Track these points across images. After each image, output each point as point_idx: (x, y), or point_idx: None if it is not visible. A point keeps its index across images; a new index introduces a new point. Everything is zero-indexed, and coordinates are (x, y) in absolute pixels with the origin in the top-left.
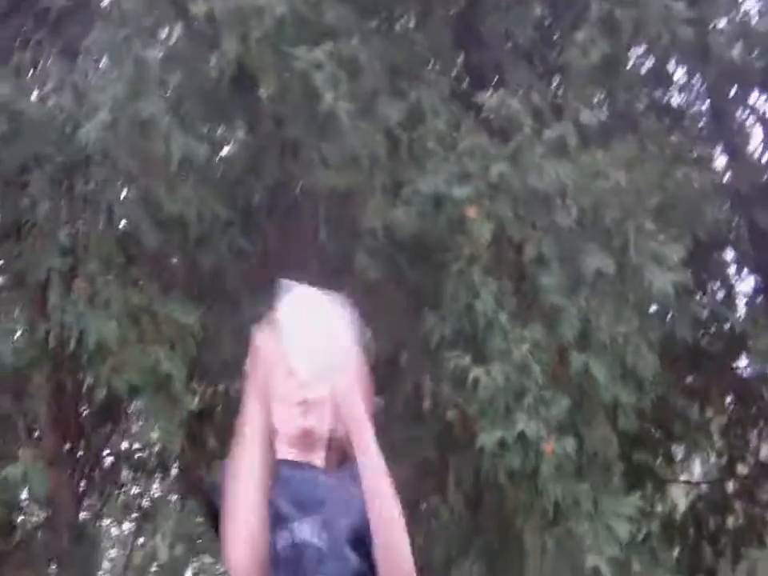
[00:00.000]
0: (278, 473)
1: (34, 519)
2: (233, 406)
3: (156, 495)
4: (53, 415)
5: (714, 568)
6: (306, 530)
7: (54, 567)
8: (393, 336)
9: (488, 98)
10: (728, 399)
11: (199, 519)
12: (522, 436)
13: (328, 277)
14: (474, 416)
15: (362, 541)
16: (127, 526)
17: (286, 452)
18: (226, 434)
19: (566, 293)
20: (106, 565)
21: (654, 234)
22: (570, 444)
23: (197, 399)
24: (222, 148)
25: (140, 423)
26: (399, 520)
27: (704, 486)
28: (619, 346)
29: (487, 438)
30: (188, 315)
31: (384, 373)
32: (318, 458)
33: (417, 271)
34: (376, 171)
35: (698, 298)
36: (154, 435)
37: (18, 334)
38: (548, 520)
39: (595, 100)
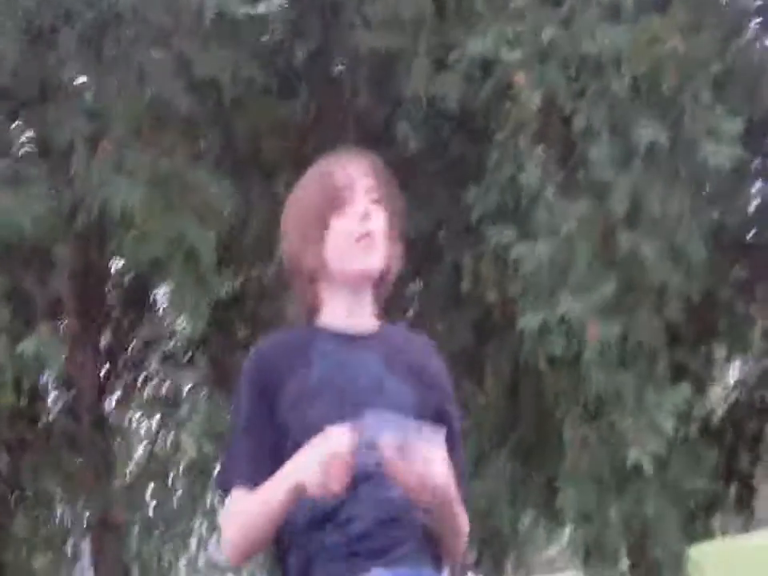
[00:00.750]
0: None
1: (57, 407)
2: (265, 293)
3: (183, 386)
4: (76, 293)
5: (751, 473)
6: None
7: (73, 457)
8: (432, 210)
9: None
10: None
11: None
12: (565, 319)
13: (366, 146)
14: (516, 296)
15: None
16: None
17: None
18: (258, 322)
19: (616, 166)
20: (127, 456)
21: (710, 106)
22: (615, 330)
23: (226, 285)
24: (259, 5)
25: (167, 307)
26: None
27: (743, 390)
28: (670, 226)
29: (529, 320)
30: (219, 185)
31: (422, 251)
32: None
33: (460, 141)
34: (421, 33)
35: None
36: (181, 322)
37: (39, 202)
38: (589, 411)
39: None
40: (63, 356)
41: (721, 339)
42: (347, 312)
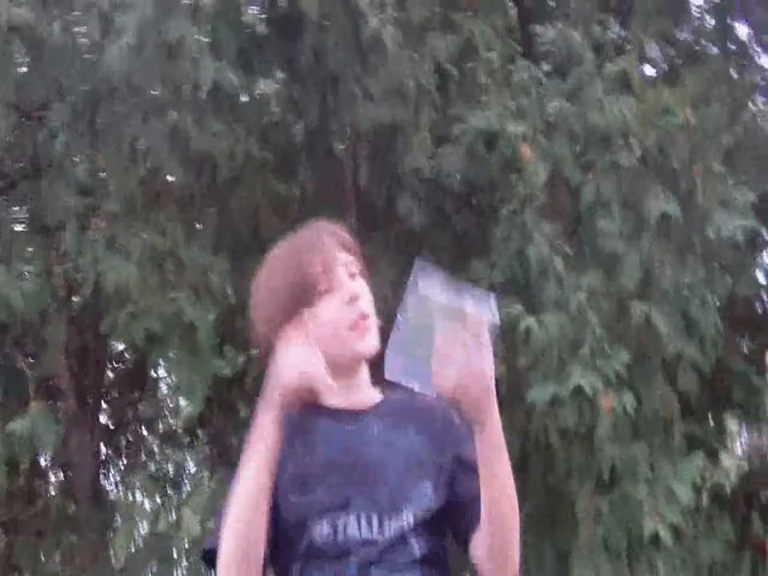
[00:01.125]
0: (314, 426)
1: (54, 487)
2: (266, 371)
3: (183, 465)
4: (72, 372)
5: (765, 541)
6: (352, 521)
7: (71, 536)
8: None
9: (546, 31)
10: None
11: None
12: (577, 390)
13: (368, 222)
14: (524, 370)
15: (432, 520)
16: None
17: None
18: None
19: (626, 239)
20: (127, 537)
21: (722, 178)
22: (629, 400)
23: (227, 364)
24: (257, 81)
25: (165, 386)
26: (515, 514)
27: (755, 460)
28: (682, 297)
29: (539, 393)
30: (216, 263)
31: None
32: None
33: (464, 216)
34: (423, 105)
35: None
36: (182, 402)
37: (31, 279)
38: (603, 484)
39: (661, 34)
40: (57, 434)
41: (733, 410)
42: (345, 388)
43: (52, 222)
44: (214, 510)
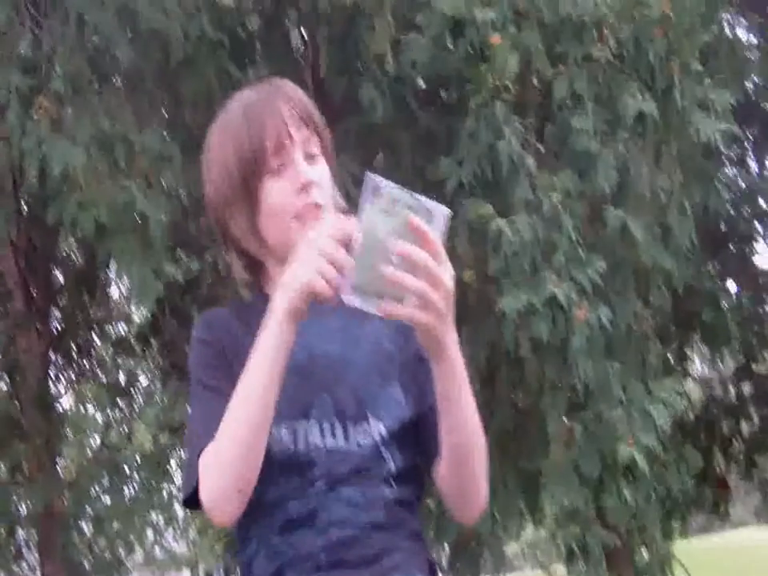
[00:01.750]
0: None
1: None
2: (221, 278)
3: (135, 374)
4: (18, 268)
5: (725, 476)
6: (314, 429)
7: (18, 444)
8: (399, 183)
9: None
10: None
11: (184, 404)
12: (552, 300)
13: (328, 113)
14: (495, 276)
15: (406, 431)
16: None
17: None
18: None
19: (601, 137)
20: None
21: (700, 77)
22: (605, 313)
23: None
24: None
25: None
26: (480, 449)
27: (717, 387)
28: (659, 203)
29: (510, 302)
30: (170, 149)
31: None
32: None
33: (430, 110)
34: None
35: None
36: (134, 309)
37: None
38: (575, 402)
39: None
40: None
41: (698, 333)
42: None
43: None
44: (167, 423)
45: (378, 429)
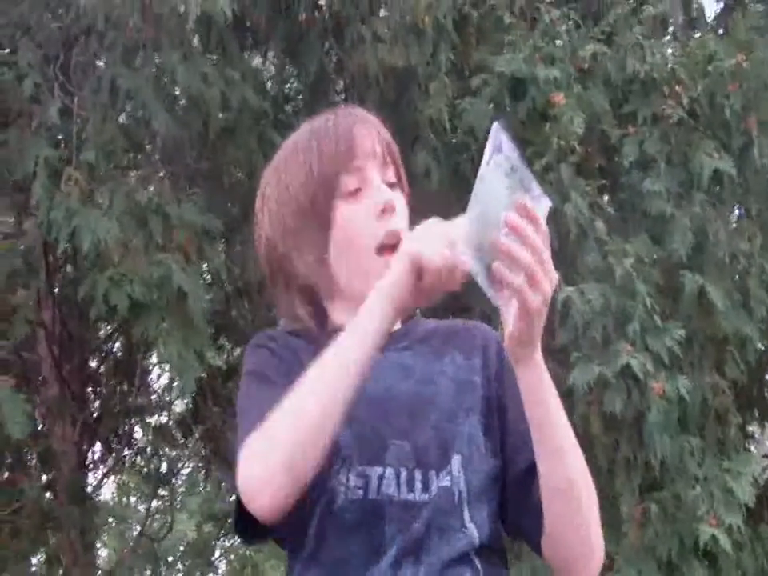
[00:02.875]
0: None
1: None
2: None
3: (176, 463)
4: (51, 352)
5: None
6: (389, 476)
7: (54, 535)
8: None
9: None
10: None
11: (227, 493)
12: (626, 371)
13: None
14: (563, 348)
15: (494, 482)
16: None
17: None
18: None
19: (674, 199)
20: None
21: None
22: (683, 384)
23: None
24: (252, 12)
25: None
26: (589, 481)
27: None
28: (740, 267)
29: (581, 375)
30: (208, 221)
31: (446, 304)
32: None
33: None
34: (440, 45)
35: None
36: (174, 394)
37: None
38: (651, 482)
39: None
40: (27, 417)
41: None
42: None
43: (21, 175)
44: (210, 513)
45: (456, 472)
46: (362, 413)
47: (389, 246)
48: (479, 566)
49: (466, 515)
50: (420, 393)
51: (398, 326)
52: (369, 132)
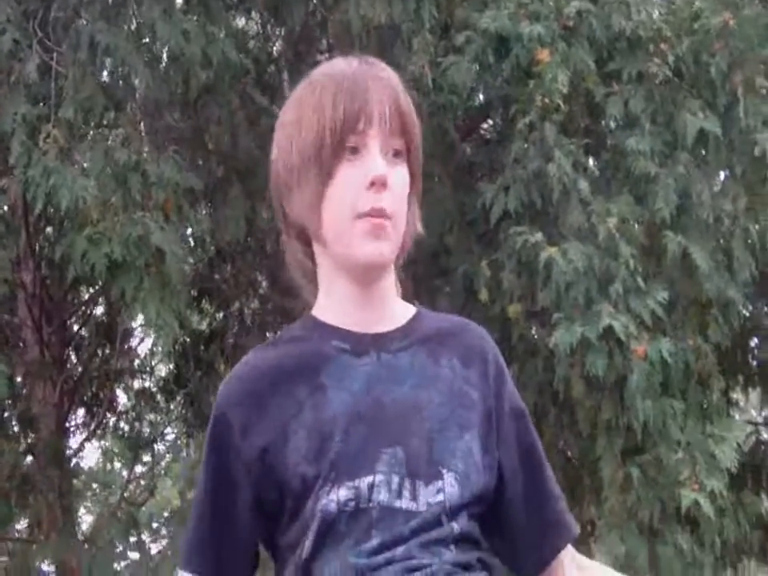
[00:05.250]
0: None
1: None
2: (248, 328)
3: (158, 427)
4: (31, 315)
5: None
6: (380, 484)
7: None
8: (439, 212)
9: None
10: None
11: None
12: (608, 333)
13: None
14: (545, 309)
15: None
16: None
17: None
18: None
19: (659, 159)
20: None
21: (765, 93)
22: (666, 347)
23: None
24: None
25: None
26: None
27: (763, 430)
28: (724, 228)
29: (563, 337)
30: (188, 179)
31: (427, 260)
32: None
33: (471, 139)
34: (424, 2)
35: None
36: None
37: None
38: (632, 446)
39: None
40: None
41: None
42: (358, 302)
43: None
44: (193, 479)
45: (450, 488)
46: (354, 426)
47: (366, 214)
48: (454, 549)
49: (455, 527)
50: (414, 400)
51: (399, 322)
52: (384, 96)
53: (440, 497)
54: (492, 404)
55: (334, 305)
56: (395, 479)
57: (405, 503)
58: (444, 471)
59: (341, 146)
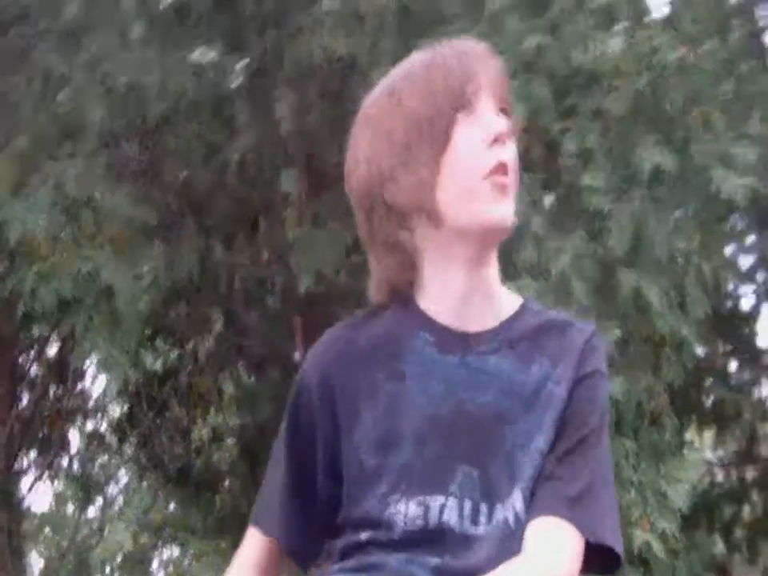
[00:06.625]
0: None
1: None
2: (202, 368)
3: (109, 468)
4: None
5: (727, 566)
6: (452, 506)
7: None
8: None
9: None
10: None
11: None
12: None
13: (318, 177)
14: None
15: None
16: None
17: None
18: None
19: (614, 195)
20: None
21: (722, 130)
22: (619, 385)
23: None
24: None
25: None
26: None
27: (717, 471)
28: (678, 267)
29: None
30: (142, 213)
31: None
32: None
33: None
34: (383, 34)
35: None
36: (109, 398)
37: None
38: None
39: None
40: None
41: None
42: (462, 293)
43: None
44: (146, 522)
45: (518, 503)
46: (430, 432)
47: (493, 171)
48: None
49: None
50: (498, 408)
51: (498, 319)
52: (490, 58)
53: (510, 512)
54: (566, 402)
55: (436, 294)
56: (467, 505)
57: (476, 529)
58: (516, 485)
59: (454, 113)
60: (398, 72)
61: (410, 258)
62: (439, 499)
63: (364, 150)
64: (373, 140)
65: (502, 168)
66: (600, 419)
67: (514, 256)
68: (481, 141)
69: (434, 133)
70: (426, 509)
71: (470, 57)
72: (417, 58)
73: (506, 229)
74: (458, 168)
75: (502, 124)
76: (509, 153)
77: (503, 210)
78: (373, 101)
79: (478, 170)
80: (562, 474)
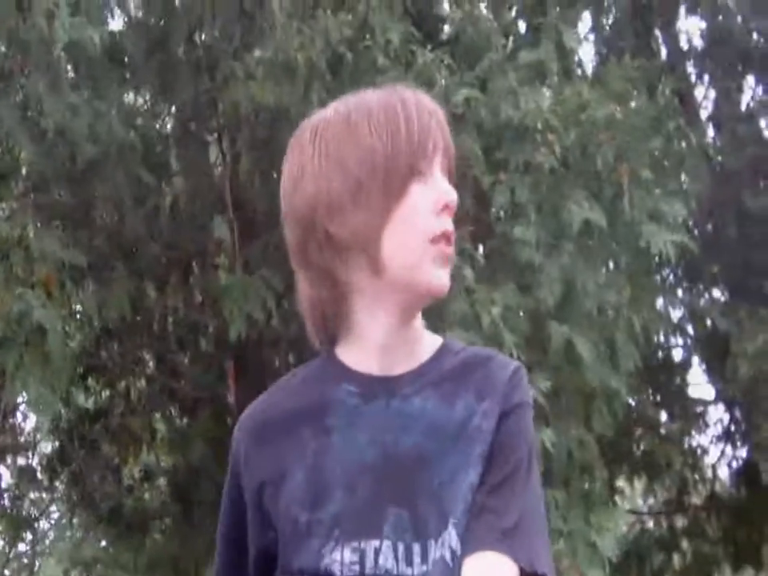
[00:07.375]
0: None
1: None
2: (134, 408)
3: (39, 505)
4: None
5: None
6: (386, 550)
7: None
8: None
9: (452, 12)
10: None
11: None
12: None
13: (247, 226)
14: None
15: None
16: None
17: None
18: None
19: (544, 249)
20: None
21: (650, 186)
22: (548, 437)
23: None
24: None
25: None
26: None
27: (647, 519)
28: (608, 319)
29: None
30: (73, 256)
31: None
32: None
33: None
34: (314, 85)
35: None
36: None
37: None
38: None
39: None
40: None
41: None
42: (389, 341)
43: None
44: (78, 559)
45: (451, 536)
46: (359, 479)
47: (440, 239)
48: None
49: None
50: (421, 448)
51: (419, 360)
52: (442, 123)
53: (446, 550)
54: (495, 426)
55: (360, 345)
56: (401, 546)
57: (411, 570)
58: (448, 522)
59: (413, 168)
60: (353, 102)
61: (341, 290)
62: (374, 543)
63: (313, 167)
64: (322, 160)
65: (447, 238)
66: (528, 449)
67: (444, 308)
68: (433, 203)
69: (390, 181)
70: (362, 554)
71: (426, 111)
72: (372, 96)
73: (443, 294)
74: (410, 224)
75: (453, 194)
76: (451, 224)
77: (445, 279)
78: (324, 120)
79: (427, 232)
80: (495, 506)
